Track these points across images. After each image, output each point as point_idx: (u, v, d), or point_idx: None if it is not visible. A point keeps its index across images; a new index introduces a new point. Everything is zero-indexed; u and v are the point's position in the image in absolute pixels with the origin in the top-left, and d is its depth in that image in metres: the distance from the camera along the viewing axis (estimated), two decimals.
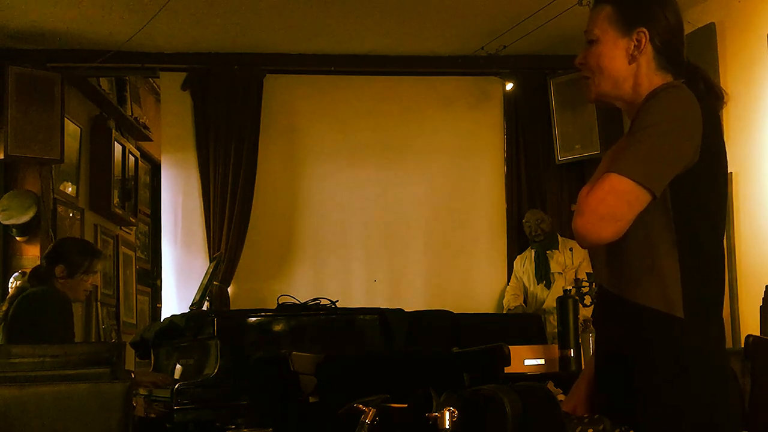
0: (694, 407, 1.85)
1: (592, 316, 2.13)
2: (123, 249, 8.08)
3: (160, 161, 7.12)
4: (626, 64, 1.99)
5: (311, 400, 2.98)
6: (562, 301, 3.88)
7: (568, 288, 4.00)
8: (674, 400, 1.85)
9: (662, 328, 1.87)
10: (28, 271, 4.84)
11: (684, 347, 1.86)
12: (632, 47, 1.98)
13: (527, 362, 3.77)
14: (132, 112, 7.99)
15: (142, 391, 4.34)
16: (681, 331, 1.86)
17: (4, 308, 4.09)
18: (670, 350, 1.86)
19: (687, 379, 1.85)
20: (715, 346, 1.92)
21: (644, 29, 1.97)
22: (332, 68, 6.74)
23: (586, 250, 2.03)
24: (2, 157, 6.12)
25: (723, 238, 1.98)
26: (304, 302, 4.37)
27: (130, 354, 4.92)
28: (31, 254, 6.29)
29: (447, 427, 1.82)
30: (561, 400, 2.08)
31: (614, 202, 1.82)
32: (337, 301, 4.49)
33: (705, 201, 1.91)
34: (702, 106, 1.88)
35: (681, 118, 1.86)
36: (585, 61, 2.04)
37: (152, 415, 4.22)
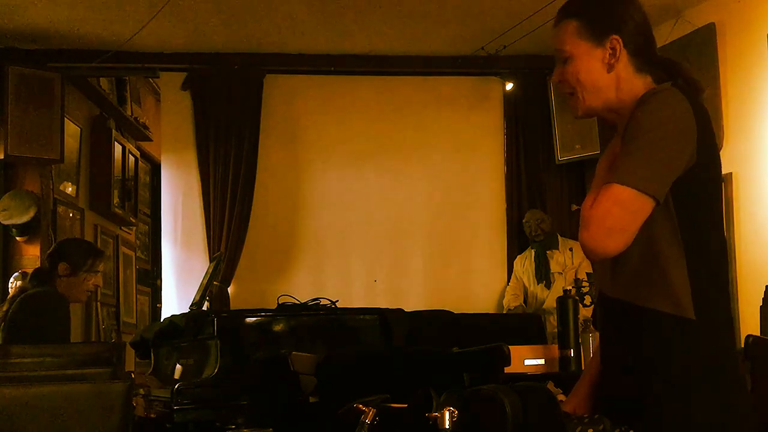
0: (708, 409, 1.84)
1: (592, 316, 2.13)
2: (123, 249, 8.08)
3: (160, 161, 7.13)
4: (605, 74, 1.97)
5: (311, 400, 2.98)
6: (562, 301, 3.88)
7: (568, 288, 4.00)
8: (689, 402, 1.84)
9: (674, 332, 1.86)
10: (28, 271, 4.85)
11: (697, 349, 1.86)
12: (608, 56, 1.96)
13: (527, 362, 3.77)
14: (132, 112, 8.00)
15: (141, 391, 4.34)
16: (693, 333, 1.85)
17: (4, 308, 4.10)
18: (683, 352, 1.85)
19: (701, 381, 1.85)
20: (728, 347, 1.92)
21: (616, 36, 1.96)
22: (332, 68, 6.74)
23: None
24: (2, 157, 6.12)
25: (724, 235, 1.97)
26: (304, 302, 4.37)
27: (130, 354, 4.92)
28: (31, 254, 6.29)
29: (447, 427, 1.82)
30: (561, 400, 2.08)
31: (620, 213, 1.81)
32: (337, 301, 4.49)
33: (706, 200, 1.91)
34: (692, 105, 1.88)
35: (675, 121, 1.85)
36: (563, 78, 2.02)
37: (152, 415, 4.22)
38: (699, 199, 1.89)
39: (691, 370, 1.85)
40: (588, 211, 1.83)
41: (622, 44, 1.96)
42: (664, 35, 5.95)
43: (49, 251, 4.37)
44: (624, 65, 1.97)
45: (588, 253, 1.85)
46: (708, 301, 1.87)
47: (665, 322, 1.86)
